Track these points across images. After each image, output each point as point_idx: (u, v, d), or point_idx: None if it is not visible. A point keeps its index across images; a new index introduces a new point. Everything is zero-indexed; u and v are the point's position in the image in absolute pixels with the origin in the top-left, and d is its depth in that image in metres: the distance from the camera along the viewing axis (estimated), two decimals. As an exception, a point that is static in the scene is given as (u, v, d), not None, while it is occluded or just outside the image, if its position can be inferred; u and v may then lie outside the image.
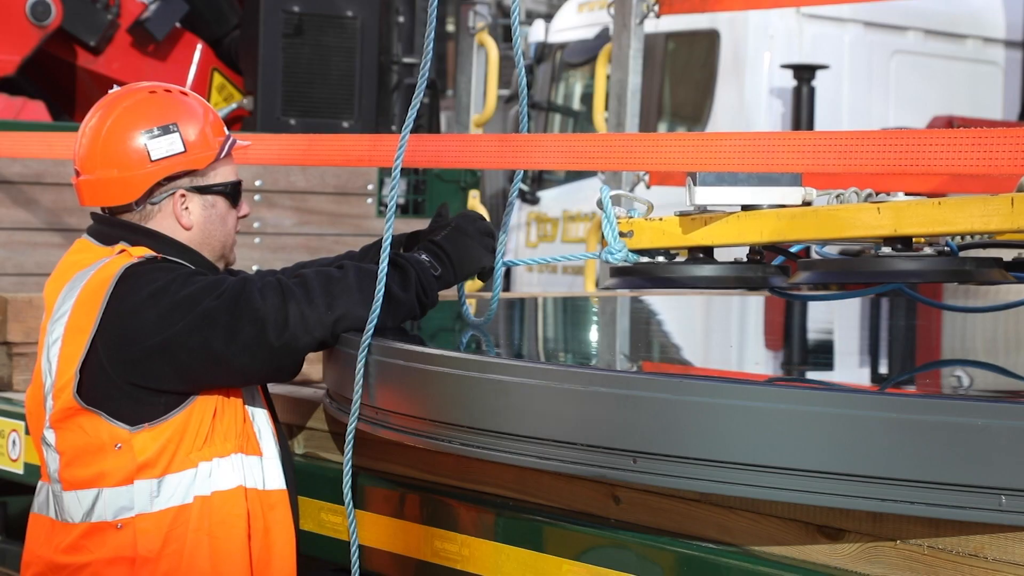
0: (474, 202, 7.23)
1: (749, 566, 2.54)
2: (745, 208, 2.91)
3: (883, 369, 3.39)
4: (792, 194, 2.89)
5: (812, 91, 9.14)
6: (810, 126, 9.09)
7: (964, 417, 2.25)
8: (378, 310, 3.02)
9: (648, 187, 5.72)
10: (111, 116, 3.17)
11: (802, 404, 2.39)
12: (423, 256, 3.20)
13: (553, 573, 2.78)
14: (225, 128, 3.24)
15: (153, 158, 3.12)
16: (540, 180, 10.59)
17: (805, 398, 2.41)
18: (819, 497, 2.37)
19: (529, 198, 10.55)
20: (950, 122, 8.69)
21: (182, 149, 3.13)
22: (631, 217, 3.06)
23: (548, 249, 10.33)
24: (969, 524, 2.33)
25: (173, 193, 3.14)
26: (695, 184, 2.87)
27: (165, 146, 3.13)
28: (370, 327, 3.01)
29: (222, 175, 3.19)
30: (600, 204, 3.01)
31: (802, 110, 9.11)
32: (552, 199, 10.45)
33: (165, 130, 3.13)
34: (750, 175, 2.88)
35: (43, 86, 7.14)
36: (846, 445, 2.33)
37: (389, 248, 3.06)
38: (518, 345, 3.75)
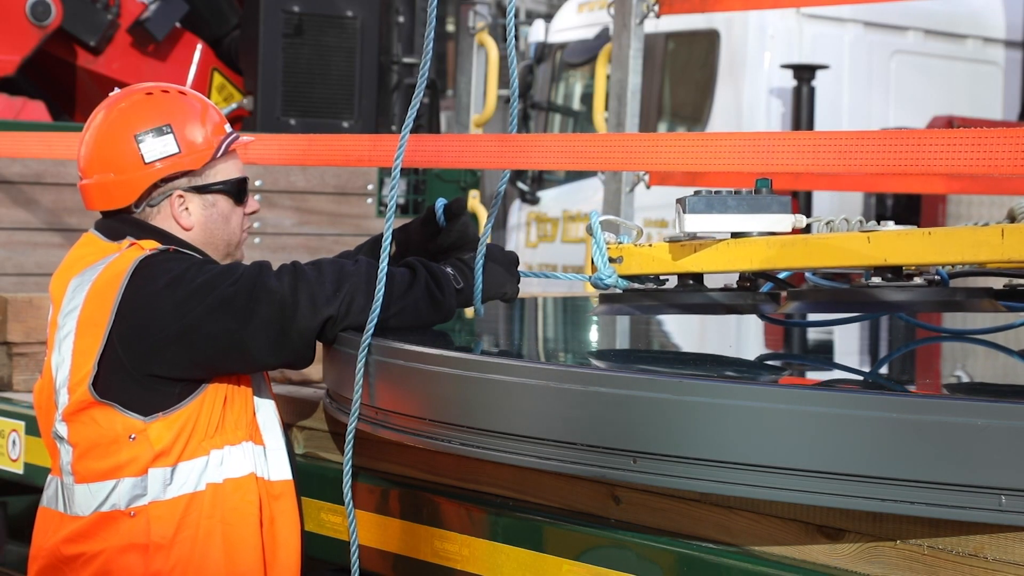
0: (474, 202, 7.23)
1: (749, 566, 2.54)
2: (735, 235, 2.91)
3: (883, 370, 3.39)
4: (782, 221, 2.88)
5: (812, 91, 9.14)
6: (810, 126, 9.09)
7: (964, 417, 2.25)
8: (378, 309, 3.02)
9: (648, 187, 5.71)
10: (108, 119, 3.18)
11: (802, 404, 2.39)
12: (448, 269, 3.22)
13: (553, 573, 2.78)
14: (227, 125, 3.23)
15: (147, 160, 3.12)
16: (540, 180, 10.59)
17: (805, 398, 2.41)
18: (819, 497, 2.37)
19: (529, 198, 10.55)
20: (950, 122, 8.69)
21: (176, 150, 3.12)
22: (620, 243, 3.06)
23: (548, 249, 10.33)
24: (969, 524, 2.33)
25: (171, 195, 3.14)
26: (684, 211, 2.87)
27: (159, 148, 3.13)
28: (370, 327, 3.01)
29: (223, 173, 3.18)
30: (589, 230, 3.01)
31: (802, 110, 9.11)
32: (552, 199, 10.45)
33: (159, 131, 3.13)
34: (739, 202, 2.87)
35: (43, 86, 7.14)
36: (846, 445, 2.33)
37: (391, 251, 3.06)
38: (518, 345, 3.75)
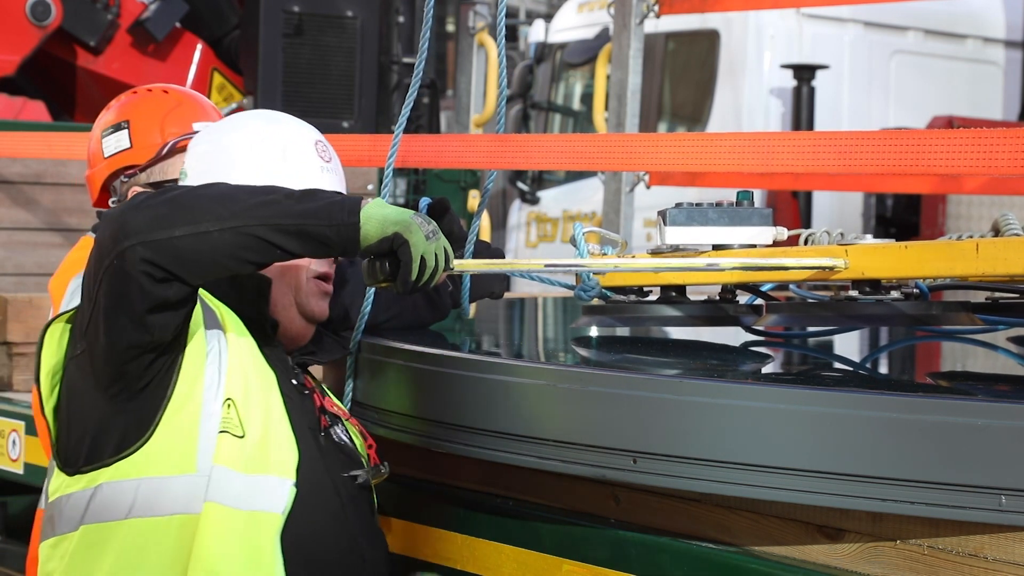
0: (474, 202, 7.24)
1: (749, 566, 2.54)
2: (716, 248, 2.92)
3: (883, 369, 3.39)
4: (763, 234, 2.89)
5: (812, 91, 9.14)
6: (810, 126, 9.09)
7: (964, 417, 2.25)
8: (368, 307, 3.02)
9: (648, 187, 5.71)
10: (100, 118, 3.23)
11: (802, 404, 2.39)
12: None
13: (553, 573, 2.78)
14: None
15: (105, 155, 3.15)
16: (540, 180, 10.58)
17: (805, 398, 2.41)
18: (819, 497, 2.37)
19: (529, 198, 10.54)
20: (950, 122, 8.69)
21: (128, 145, 3.14)
22: (604, 254, 3.07)
23: (548, 249, 10.32)
24: (969, 524, 2.33)
25: (129, 191, 3.13)
26: (665, 224, 2.88)
27: (114, 143, 3.15)
28: (360, 324, 3.02)
29: (172, 171, 3.06)
30: (573, 242, 3.02)
31: (802, 110, 9.11)
32: (552, 199, 10.44)
33: (117, 127, 3.16)
34: (720, 215, 2.88)
35: (43, 86, 7.14)
36: (846, 445, 2.33)
37: None
38: (518, 345, 3.75)
